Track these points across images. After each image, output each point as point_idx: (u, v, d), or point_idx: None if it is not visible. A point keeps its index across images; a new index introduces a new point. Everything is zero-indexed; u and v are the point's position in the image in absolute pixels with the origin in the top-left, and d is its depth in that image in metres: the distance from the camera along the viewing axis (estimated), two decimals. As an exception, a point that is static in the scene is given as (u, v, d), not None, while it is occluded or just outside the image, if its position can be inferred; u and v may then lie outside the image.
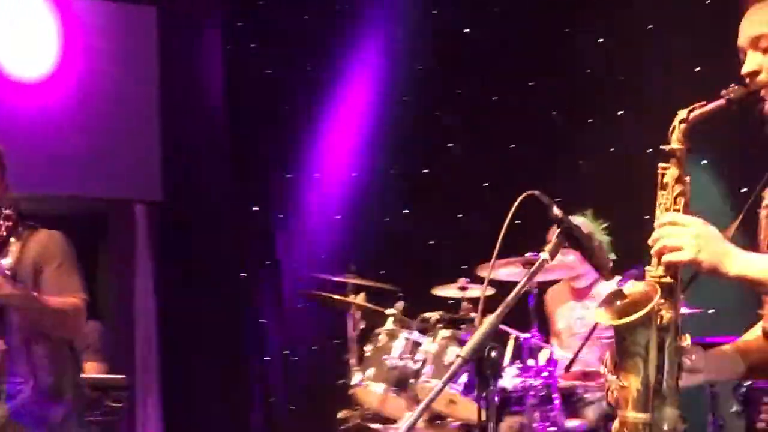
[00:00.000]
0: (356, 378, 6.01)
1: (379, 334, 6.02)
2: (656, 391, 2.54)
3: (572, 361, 5.75)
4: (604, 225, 6.44)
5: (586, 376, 6.11)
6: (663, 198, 2.65)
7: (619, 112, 7.30)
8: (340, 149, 8.33)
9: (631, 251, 6.34)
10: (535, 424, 5.66)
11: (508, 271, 5.83)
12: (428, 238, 8.02)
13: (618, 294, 2.61)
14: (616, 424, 2.60)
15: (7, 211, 3.91)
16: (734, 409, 5.85)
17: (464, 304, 5.97)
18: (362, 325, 6.38)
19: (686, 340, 2.57)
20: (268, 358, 8.36)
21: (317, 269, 6.79)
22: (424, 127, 8.06)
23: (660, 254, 2.54)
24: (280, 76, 8.50)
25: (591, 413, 6.00)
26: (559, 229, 2.53)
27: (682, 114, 2.67)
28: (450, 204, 7.94)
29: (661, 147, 2.68)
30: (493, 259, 2.61)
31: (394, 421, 5.98)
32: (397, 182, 8.21)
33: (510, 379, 5.75)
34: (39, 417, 4.03)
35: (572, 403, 5.92)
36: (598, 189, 6.94)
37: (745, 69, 2.70)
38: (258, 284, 8.30)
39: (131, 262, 8.38)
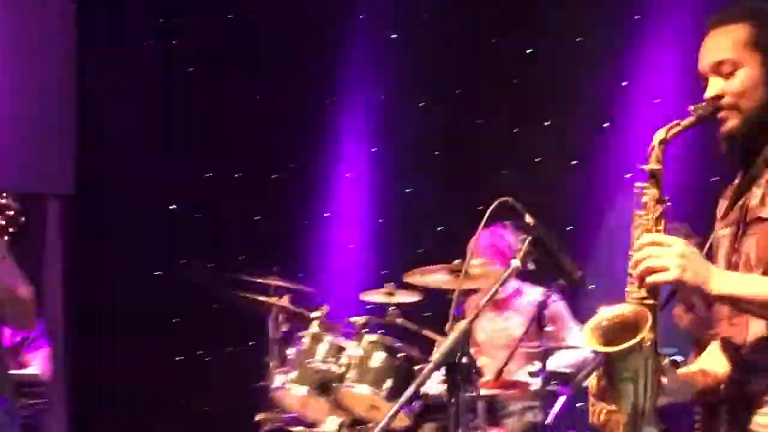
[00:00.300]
0: (278, 380, 5.95)
1: (302, 337, 5.98)
2: (642, 413, 2.58)
3: (501, 370, 5.78)
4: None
5: (509, 385, 6.13)
6: (642, 219, 2.69)
7: (546, 123, 7.35)
8: (259, 149, 8.22)
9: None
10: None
11: (436, 278, 5.86)
12: (348, 243, 7.97)
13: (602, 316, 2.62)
14: None
15: (3, 201, 3.65)
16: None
17: (390, 310, 5.94)
18: (285, 328, 6.32)
19: (664, 360, 2.62)
20: (181, 358, 8.22)
21: (235, 270, 6.68)
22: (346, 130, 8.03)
23: (643, 275, 2.57)
24: (201, 72, 8.39)
25: (515, 424, 6.01)
26: (530, 237, 2.52)
27: (660, 134, 2.71)
28: (371, 209, 7.91)
29: (641, 167, 2.72)
30: (466, 264, 2.57)
31: (315, 425, 5.94)
32: (317, 184, 8.15)
33: (435, 385, 5.76)
34: None
35: (494, 412, 5.94)
36: (521, 199, 6.94)
37: (708, 94, 2.77)
38: (173, 283, 8.15)
39: (42, 257, 8.19)
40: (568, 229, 7.16)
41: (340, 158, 8.13)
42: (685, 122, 2.72)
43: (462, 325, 2.44)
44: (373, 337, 5.77)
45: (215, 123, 8.31)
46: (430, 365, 2.43)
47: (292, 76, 8.15)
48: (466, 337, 2.41)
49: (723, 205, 2.90)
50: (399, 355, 5.69)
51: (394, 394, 5.59)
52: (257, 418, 6.23)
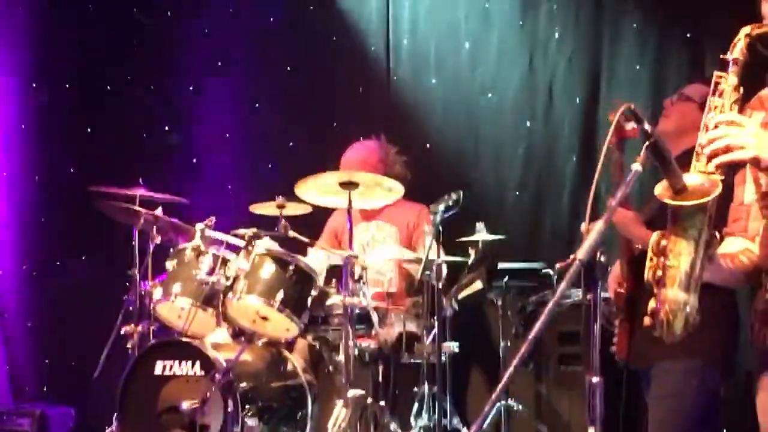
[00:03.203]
0: (157, 293, 5.85)
1: (183, 249, 5.89)
2: (696, 273, 2.71)
3: None
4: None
5: (389, 296, 6.25)
6: (717, 102, 2.83)
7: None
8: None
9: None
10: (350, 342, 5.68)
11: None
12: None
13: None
14: (652, 303, 2.74)
15: None
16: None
17: (283, 222, 5.89)
18: (157, 240, 6.19)
19: (717, 236, 2.75)
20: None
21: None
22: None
23: (718, 153, 2.70)
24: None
25: (385, 334, 6.10)
26: (648, 143, 2.67)
27: (746, 29, 2.87)
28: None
29: (722, 57, 2.86)
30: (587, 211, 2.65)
31: (197, 338, 5.83)
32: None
33: (332, 297, 5.83)
34: None
35: (379, 323, 6.01)
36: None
37: None
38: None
39: None
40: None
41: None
42: None
43: (599, 225, 2.52)
44: (263, 249, 5.76)
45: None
46: (577, 263, 2.46)
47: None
48: (603, 236, 2.50)
49: None
50: (290, 267, 5.71)
51: (285, 305, 5.63)
52: (124, 330, 6.08)
